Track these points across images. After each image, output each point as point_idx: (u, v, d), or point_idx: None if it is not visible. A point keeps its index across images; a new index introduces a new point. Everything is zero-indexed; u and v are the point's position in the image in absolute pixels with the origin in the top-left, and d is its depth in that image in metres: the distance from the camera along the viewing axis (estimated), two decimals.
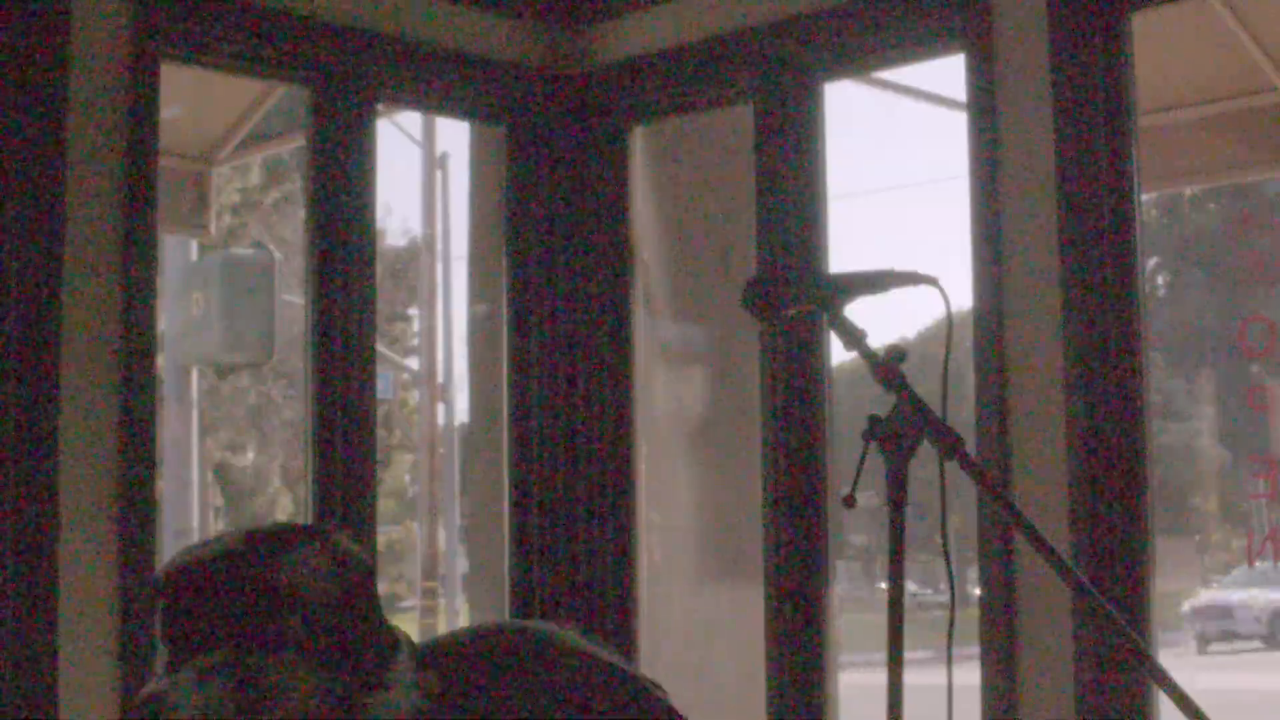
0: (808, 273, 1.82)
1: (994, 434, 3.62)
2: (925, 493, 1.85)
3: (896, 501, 1.82)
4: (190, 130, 5.82)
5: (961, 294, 2.98)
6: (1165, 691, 1.73)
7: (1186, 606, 19.51)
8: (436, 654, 1.79)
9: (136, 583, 3.46)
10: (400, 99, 4.83)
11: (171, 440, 10.18)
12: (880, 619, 1.93)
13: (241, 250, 10.60)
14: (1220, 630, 19.12)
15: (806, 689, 3.98)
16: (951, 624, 1.90)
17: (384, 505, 19.76)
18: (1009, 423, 3.61)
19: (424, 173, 19.36)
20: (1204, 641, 19.04)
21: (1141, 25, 3.64)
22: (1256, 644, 18.75)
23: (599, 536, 4.39)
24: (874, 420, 1.85)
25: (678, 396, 4.82)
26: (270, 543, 1.72)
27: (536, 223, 4.45)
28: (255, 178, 22.52)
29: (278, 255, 9.94)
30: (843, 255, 4.21)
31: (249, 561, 1.69)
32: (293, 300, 11.35)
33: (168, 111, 3.72)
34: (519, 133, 4.47)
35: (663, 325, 4.77)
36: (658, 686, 1.94)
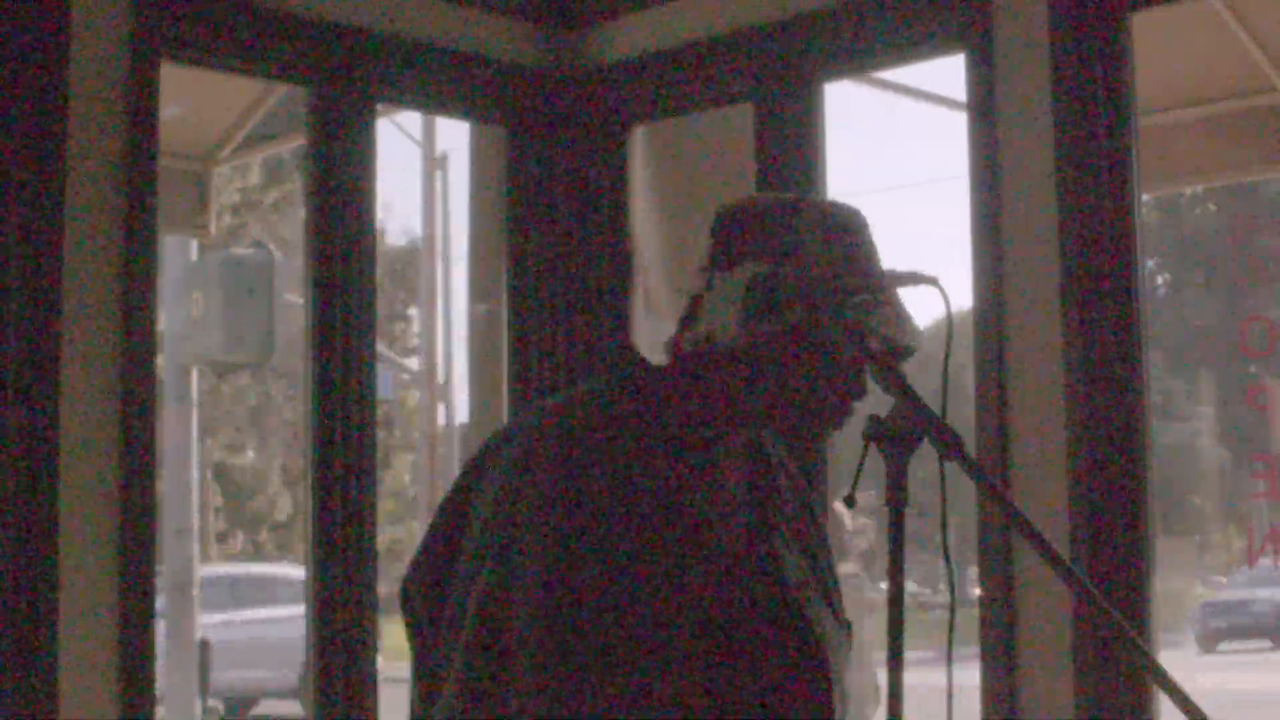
0: None
1: (994, 434, 3.61)
2: (925, 493, 1.85)
3: (896, 501, 1.82)
4: (190, 130, 5.82)
5: (961, 294, 2.98)
6: (1165, 692, 1.73)
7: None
8: None
9: (136, 583, 3.46)
10: (400, 99, 4.83)
11: (171, 440, 10.16)
12: (880, 619, 1.92)
13: (241, 250, 10.57)
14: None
15: None
16: (952, 624, 1.89)
17: (384, 505, 19.75)
18: (1009, 423, 3.61)
19: (424, 173, 19.35)
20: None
21: (1141, 25, 3.64)
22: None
23: None
24: (874, 420, 1.84)
25: None
26: None
27: (536, 223, 4.45)
28: (255, 178, 22.53)
29: (278, 255, 9.92)
30: None
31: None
32: (293, 300, 11.33)
33: (168, 111, 3.71)
34: (519, 133, 4.47)
35: (663, 325, 4.76)
36: None
